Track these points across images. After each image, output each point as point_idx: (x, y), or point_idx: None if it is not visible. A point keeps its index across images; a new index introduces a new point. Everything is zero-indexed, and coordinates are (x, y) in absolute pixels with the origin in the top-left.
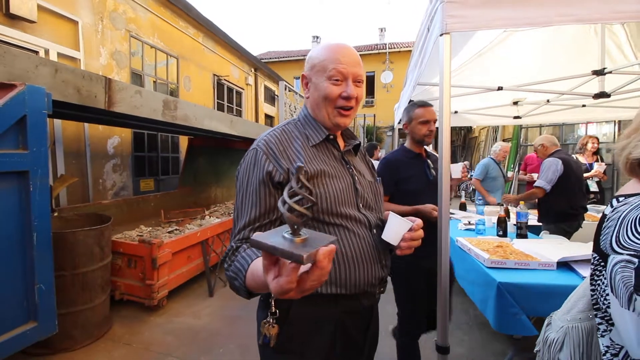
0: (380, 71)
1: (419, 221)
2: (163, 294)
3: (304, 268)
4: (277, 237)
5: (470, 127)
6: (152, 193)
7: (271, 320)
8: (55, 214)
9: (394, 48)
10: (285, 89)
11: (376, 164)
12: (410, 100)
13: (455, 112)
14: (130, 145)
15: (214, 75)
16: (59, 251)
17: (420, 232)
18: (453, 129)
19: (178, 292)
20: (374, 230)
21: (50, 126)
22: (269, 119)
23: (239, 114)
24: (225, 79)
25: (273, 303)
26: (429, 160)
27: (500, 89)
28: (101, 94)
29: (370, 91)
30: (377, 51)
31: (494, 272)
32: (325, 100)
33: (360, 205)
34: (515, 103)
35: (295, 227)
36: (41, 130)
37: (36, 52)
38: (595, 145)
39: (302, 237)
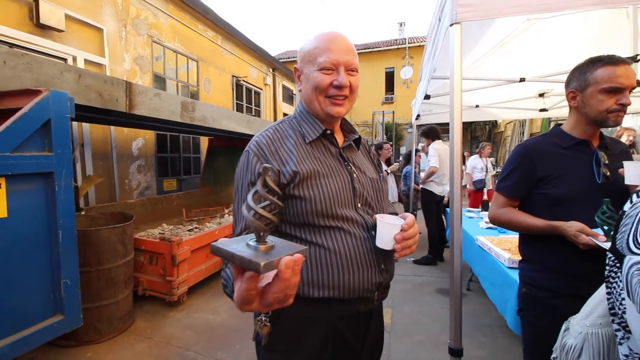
0: (400, 67)
1: (409, 218)
2: (183, 290)
3: (267, 279)
4: (240, 244)
5: (495, 121)
6: (175, 192)
7: (263, 319)
8: (83, 213)
9: (414, 42)
10: None
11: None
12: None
13: (477, 106)
14: (154, 146)
15: (233, 76)
16: (84, 248)
17: (413, 230)
18: (477, 124)
19: (198, 289)
20: (373, 232)
21: (79, 129)
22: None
23: (258, 113)
24: (243, 80)
25: None
26: (601, 153)
27: (522, 80)
28: (122, 98)
29: (389, 87)
30: (396, 46)
31: (515, 273)
32: (315, 90)
33: (359, 204)
34: (542, 95)
35: (261, 234)
36: (65, 133)
37: (65, 60)
38: (632, 138)
39: (268, 245)
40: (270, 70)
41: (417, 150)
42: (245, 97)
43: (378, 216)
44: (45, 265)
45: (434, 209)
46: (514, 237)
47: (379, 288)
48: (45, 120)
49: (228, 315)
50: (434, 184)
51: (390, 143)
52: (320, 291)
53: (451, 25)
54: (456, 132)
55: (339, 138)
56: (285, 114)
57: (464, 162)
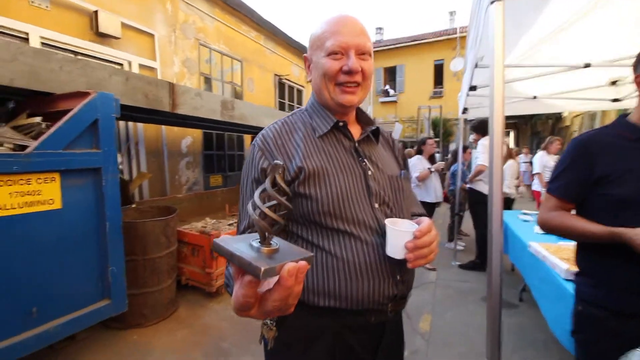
0: (450, 59)
1: (424, 224)
2: (221, 282)
3: (268, 285)
4: (242, 243)
5: (560, 114)
6: (220, 188)
7: (269, 323)
8: (134, 206)
9: (466, 32)
10: None
11: (419, 162)
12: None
13: (534, 97)
14: (201, 144)
15: (275, 75)
16: (131, 238)
17: (428, 238)
18: (538, 117)
19: None
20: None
21: (134, 129)
22: None
23: None
24: (286, 78)
25: None
26: None
27: (587, 66)
28: (166, 98)
29: (438, 81)
30: (446, 37)
31: (572, 286)
32: (324, 77)
33: (375, 204)
34: (614, 83)
35: (266, 235)
36: (110, 132)
37: (121, 65)
38: None
39: (272, 248)
40: None
41: (466, 147)
42: (288, 95)
43: (388, 221)
44: (94, 254)
45: (482, 210)
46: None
47: (393, 300)
48: (93, 120)
49: None
50: (482, 184)
51: (437, 139)
52: (326, 300)
53: (491, 3)
54: (496, 129)
55: (355, 131)
56: None
57: (507, 158)
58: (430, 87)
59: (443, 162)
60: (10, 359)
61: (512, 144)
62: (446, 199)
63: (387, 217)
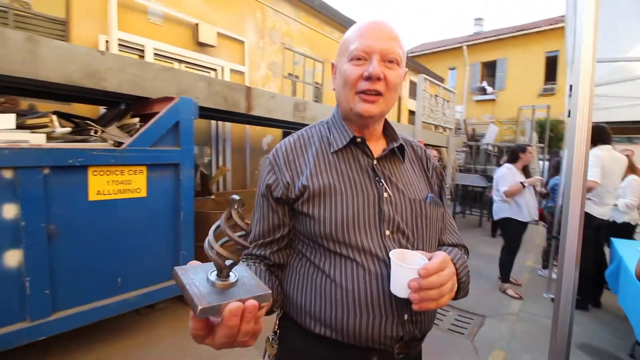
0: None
1: (434, 261)
2: None
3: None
4: (201, 274)
5: None
6: None
7: (271, 339)
8: (212, 197)
9: None
10: (425, 82)
11: (509, 173)
12: None
13: None
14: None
15: None
16: (202, 227)
17: (436, 279)
18: None
19: None
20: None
21: (223, 128)
22: (413, 114)
23: None
24: None
25: (277, 321)
26: None
27: None
28: (242, 101)
29: (551, 76)
30: (562, 24)
31: None
32: (345, 85)
33: (387, 231)
34: None
35: (222, 270)
36: (189, 132)
37: (215, 70)
38: None
39: (227, 283)
40: None
41: None
42: None
43: (394, 253)
44: (170, 238)
45: (589, 235)
46: None
47: (399, 341)
48: (175, 122)
49: None
50: (591, 204)
51: (541, 144)
52: (322, 329)
53: None
54: (578, 135)
55: (378, 147)
56: (411, 111)
57: (628, 173)
58: (540, 82)
59: (540, 178)
60: (98, 317)
61: None
62: (542, 217)
63: (401, 246)
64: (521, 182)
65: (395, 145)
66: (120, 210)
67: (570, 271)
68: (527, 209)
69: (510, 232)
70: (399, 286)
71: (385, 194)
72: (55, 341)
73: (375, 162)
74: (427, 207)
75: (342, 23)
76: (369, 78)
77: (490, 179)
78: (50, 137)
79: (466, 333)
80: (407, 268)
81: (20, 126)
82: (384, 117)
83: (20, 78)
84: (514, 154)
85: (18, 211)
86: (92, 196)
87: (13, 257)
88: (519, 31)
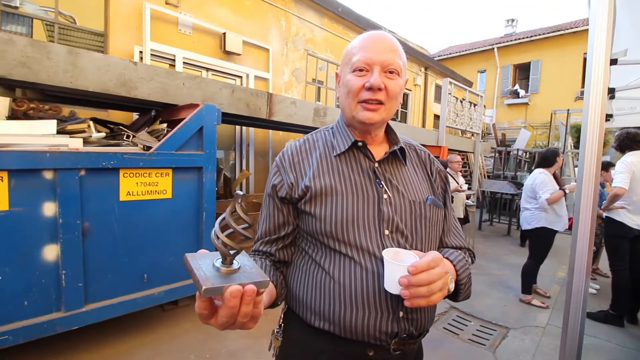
0: None
1: (424, 259)
2: None
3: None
4: (207, 260)
5: None
6: None
7: (276, 331)
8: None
9: None
10: (450, 85)
11: (548, 179)
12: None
13: None
14: None
15: None
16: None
17: (425, 276)
18: None
19: None
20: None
21: (247, 133)
22: (438, 119)
23: (404, 116)
24: None
25: (282, 315)
26: None
27: None
28: (264, 107)
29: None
30: None
31: None
32: (348, 95)
33: (386, 231)
34: None
35: (226, 258)
36: (212, 137)
37: (240, 77)
38: None
39: (230, 269)
40: (422, 69)
41: (609, 164)
42: None
43: (386, 251)
44: (193, 238)
45: (623, 246)
46: None
47: (395, 337)
48: (199, 127)
49: None
50: (625, 212)
51: (576, 150)
52: (321, 322)
53: None
54: (589, 139)
55: (379, 151)
56: (436, 115)
57: None
58: (577, 85)
59: (574, 184)
60: (126, 310)
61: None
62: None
63: (399, 246)
64: (562, 189)
65: (396, 147)
66: (147, 210)
67: (580, 281)
68: (565, 217)
69: (545, 242)
70: (391, 282)
71: (385, 195)
72: (85, 333)
73: (376, 165)
74: (427, 209)
75: (366, 28)
76: (370, 88)
77: (520, 185)
78: (86, 142)
79: (488, 345)
80: (397, 265)
81: (60, 131)
82: (386, 123)
83: (63, 87)
84: (550, 158)
85: (57, 209)
86: (123, 196)
87: (51, 251)
88: (554, 31)
